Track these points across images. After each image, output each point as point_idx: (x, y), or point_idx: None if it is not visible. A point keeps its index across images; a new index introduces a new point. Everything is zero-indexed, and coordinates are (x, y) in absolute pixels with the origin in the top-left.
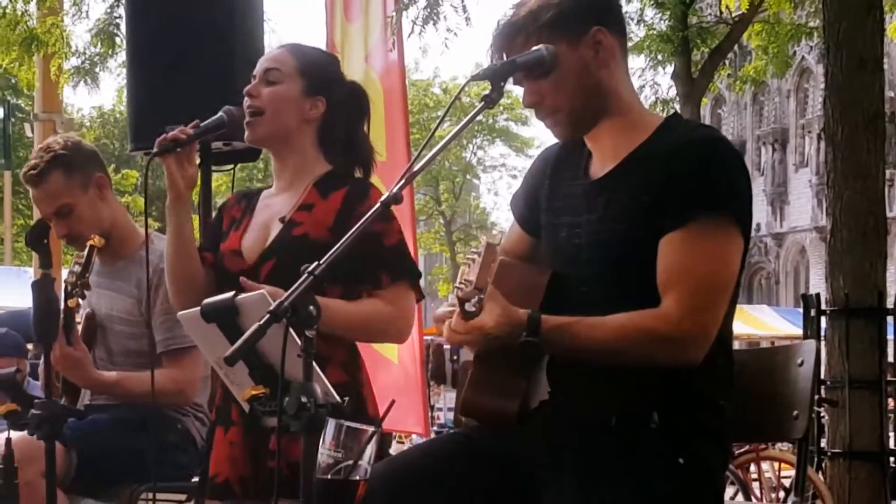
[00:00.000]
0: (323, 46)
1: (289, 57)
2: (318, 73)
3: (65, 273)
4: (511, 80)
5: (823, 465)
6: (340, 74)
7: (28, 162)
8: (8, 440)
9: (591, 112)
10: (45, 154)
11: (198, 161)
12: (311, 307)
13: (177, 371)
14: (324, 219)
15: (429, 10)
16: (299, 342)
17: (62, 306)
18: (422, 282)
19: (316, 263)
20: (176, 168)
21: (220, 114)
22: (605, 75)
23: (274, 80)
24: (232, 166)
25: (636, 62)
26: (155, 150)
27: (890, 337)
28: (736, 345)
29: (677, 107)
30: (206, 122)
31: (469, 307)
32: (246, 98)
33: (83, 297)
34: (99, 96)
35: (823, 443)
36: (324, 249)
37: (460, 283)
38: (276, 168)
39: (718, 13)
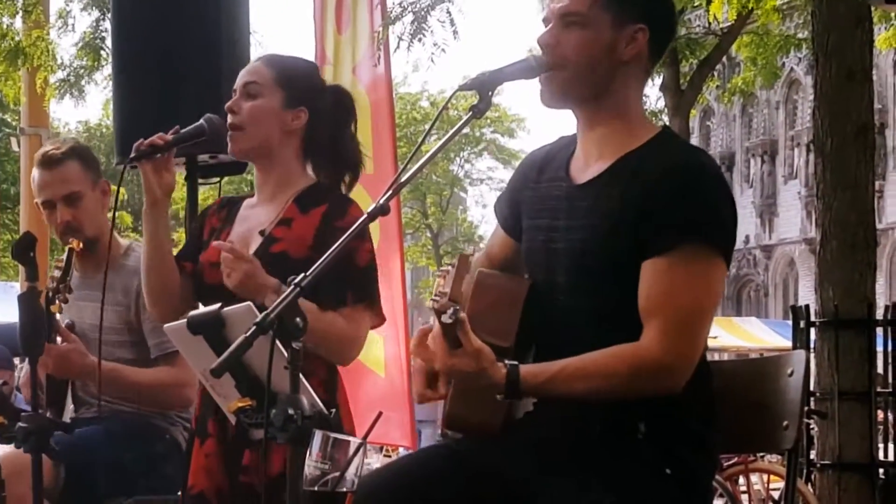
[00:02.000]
0: (311, 59)
1: (266, 69)
2: (298, 83)
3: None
4: (497, 89)
5: (813, 476)
6: (321, 82)
7: (44, 148)
8: None
9: (589, 91)
10: (64, 143)
11: (184, 174)
12: (298, 319)
13: (176, 370)
14: (303, 236)
15: (416, 24)
16: (286, 354)
17: (46, 313)
18: (409, 295)
19: (302, 275)
20: (152, 174)
21: (200, 122)
22: (622, 71)
23: (253, 93)
24: (218, 179)
25: None
26: (132, 154)
27: (879, 348)
28: (725, 357)
29: (665, 119)
30: (185, 130)
31: (445, 318)
32: (228, 115)
33: (65, 301)
34: (85, 111)
35: (813, 454)
36: (303, 267)
37: (435, 295)
38: (259, 179)
39: (707, 24)
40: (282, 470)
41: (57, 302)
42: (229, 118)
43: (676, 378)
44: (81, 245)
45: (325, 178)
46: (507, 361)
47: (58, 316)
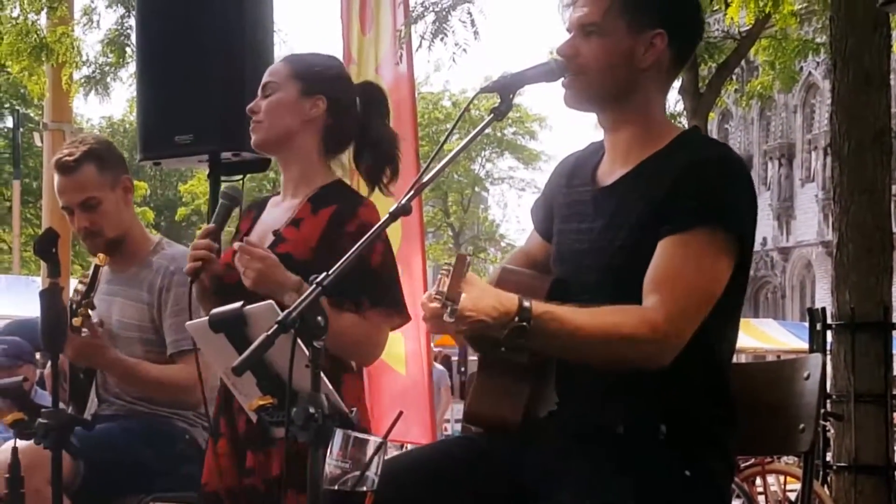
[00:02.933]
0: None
1: (282, 66)
2: (314, 73)
3: (73, 283)
4: (520, 89)
5: (829, 478)
6: (342, 73)
7: (61, 151)
8: (14, 450)
9: (610, 95)
10: (80, 145)
11: (206, 171)
12: (319, 317)
13: (191, 368)
14: (308, 237)
15: (437, 24)
16: (307, 352)
17: (69, 311)
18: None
19: (325, 274)
20: (207, 277)
21: (222, 201)
22: (642, 76)
23: (270, 91)
24: (241, 176)
25: None
26: (190, 277)
27: (895, 351)
28: (742, 358)
29: (684, 121)
30: (216, 216)
31: (446, 317)
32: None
33: (88, 317)
34: (109, 106)
35: (829, 457)
36: (305, 269)
37: (435, 294)
38: (283, 176)
39: (725, 28)
40: (281, 471)
41: (80, 316)
42: (252, 118)
43: (665, 354)
44: (108, 260)
45: (366, 171)
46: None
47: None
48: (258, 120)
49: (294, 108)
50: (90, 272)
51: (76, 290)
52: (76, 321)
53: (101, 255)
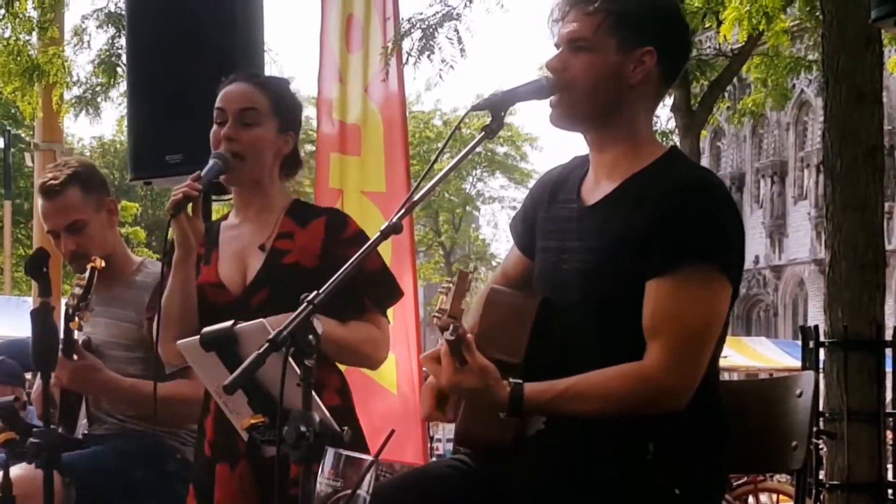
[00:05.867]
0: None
1: (262, 96)
2: (289, 109)
3: (65, 300)
4: (511, 107)
5: (822, 496)
6: (300, 103)
7: (44, 175)
8: (6, 468)
9: (597, 112)
10: (64, 169)
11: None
12: (311, 336)
13: (187, 383)
14: (311, 246)
15: (424, 41)
16: (298, 371)
17: (63, 328)
18: (420, 311)
19: (315, 293)
20: (188, 224)
21: (214, 161)
22: (631, 93)
23: (251, 121)
24: (231, 196)
25: None
26: (171, 211)
27: (888, 369)
28: (734, 376)
29: (676, 139)
30: (207, 172)
31: (448, 335)
32: (223, 142)
33: (85, 320)
34: (100, 126)
35: (822, 474)
36: (314, 276)
37: (437, 312)
38: (241, 201)
39: (717, 46)
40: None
41: (76, 319)
42: (227, 145)
43: (679, 399)
44: (104, 264)
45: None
46: (511, 380)
47: (76, 333)
48: (241, 154)
49: (273, 145)
50: (86, 276)
51: (72, 295)
52: (73, 324)
53: (98, 259)
